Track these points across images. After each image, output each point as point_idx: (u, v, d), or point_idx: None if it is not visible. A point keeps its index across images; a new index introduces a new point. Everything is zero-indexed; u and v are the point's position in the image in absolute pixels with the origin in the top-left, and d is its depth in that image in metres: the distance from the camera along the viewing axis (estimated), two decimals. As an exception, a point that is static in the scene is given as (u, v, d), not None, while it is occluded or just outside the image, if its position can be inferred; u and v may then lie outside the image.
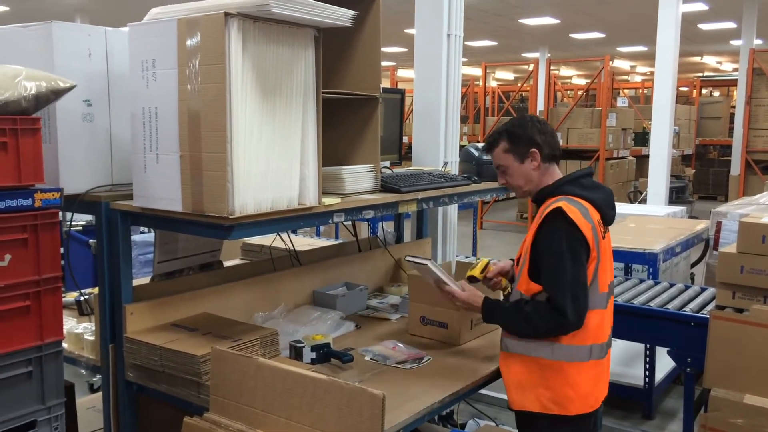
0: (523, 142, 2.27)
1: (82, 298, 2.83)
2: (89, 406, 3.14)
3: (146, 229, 4.60)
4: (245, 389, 1.94)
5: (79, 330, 2.55)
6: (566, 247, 2.10)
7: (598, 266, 2.17)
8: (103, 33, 2.34)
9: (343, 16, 2.14)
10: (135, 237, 4.14)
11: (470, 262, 4.45)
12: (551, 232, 2.13)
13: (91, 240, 4.09)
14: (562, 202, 2.14)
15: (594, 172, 2.37)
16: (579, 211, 2.13)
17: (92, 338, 2.46)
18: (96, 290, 2.46)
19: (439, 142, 3.63)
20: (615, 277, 4.15)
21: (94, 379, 4.06)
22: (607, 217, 2.26)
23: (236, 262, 3.53)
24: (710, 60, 21.38)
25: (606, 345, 2.28)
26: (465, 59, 3.76)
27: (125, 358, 2.30)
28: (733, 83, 15.53)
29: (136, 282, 2.41)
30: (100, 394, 2.70)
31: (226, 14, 1.91)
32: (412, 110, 3.87)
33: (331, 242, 4.21)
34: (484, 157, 3.20)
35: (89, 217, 4.55)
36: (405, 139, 3.55)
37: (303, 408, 1.82)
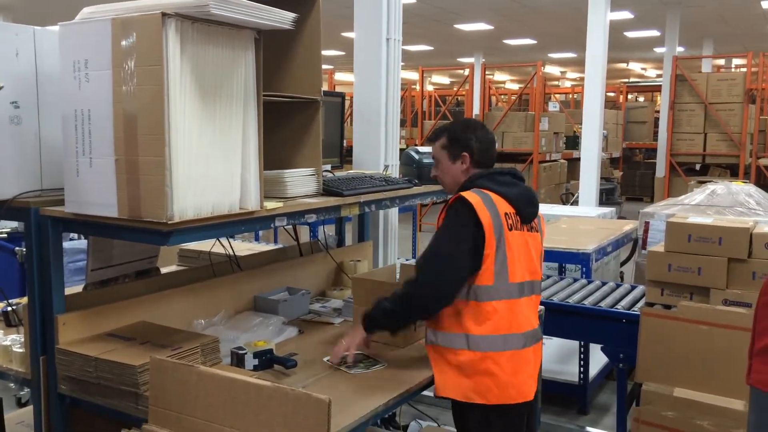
0: (459, 145, 2.41)
1: (9, 309, 2.70)
2: (18, 421, 3.00)
3: (76, 236, 4.43)
4: (186, 399, 1.89)
5: (6, 342, 2.43)
6: (449, 224, 2.27)
7: (505, 255, 2.25)
8: (31, 32, 2.24)
9: (284, 18, 2.12)
10: (65, 244, 3.98)
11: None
12: (446, 215, 2.29)
13: (17, 248, 3.91)
14: (465, 192, 2.28)
15: (516, 173, 2.46)
16: (480, 199, 2.25)
17: (21, 350, 2.35)
18: (24, 300, 2.36)
19: (379, 145, 3.65)
20: (549, 277, 4.29)
21: (22, 392, 3.89)
22: (524, 213, 2.34)
23: (173, 268, 3.45)
24: (635, 66, 22.28)
25: (526, 336, 2.31)
26: (402, 63, 3.79)
27: (58, 370, 2.21)
28: (657, 89, 16.24)
29: (67, 291, 2.32)
30: (29, 408, 2.58)
31: (164, 14, 1.87)
32: (351, 113, 3.88)
33: (271, 246, 4.16)
34: (425, 161, 3.23)
35: (14, 224, 4.36)
36: (344, 143, 3.55)
37: (248, 416, 1.79)
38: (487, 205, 2.24)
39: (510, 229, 2.28)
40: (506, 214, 2.28)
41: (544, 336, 3.13)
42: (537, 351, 2.40)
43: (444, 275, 2.23)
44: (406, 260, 5.11)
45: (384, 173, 3.44)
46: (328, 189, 2.62)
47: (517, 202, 2.33)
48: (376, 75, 3.62)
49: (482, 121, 2.67)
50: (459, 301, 2.26)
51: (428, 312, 2.31)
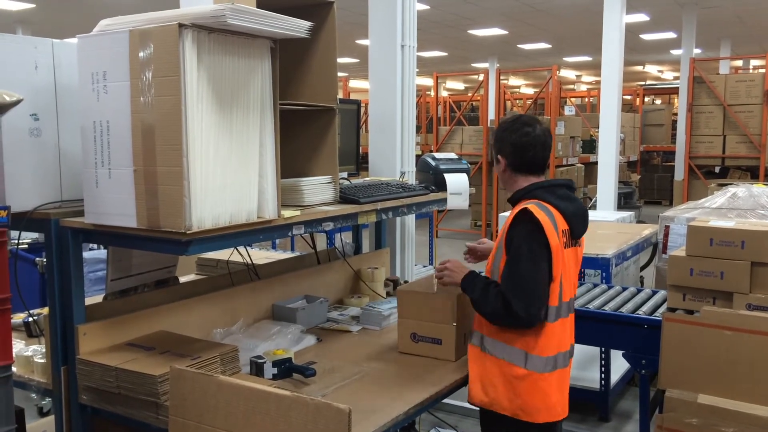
0: (496, 147, 2.38)
1: (30, 319, 2.72)
2: (40, 431, 3.02)
3: (96, 246, 4.47)
4: (206, 409, 1.89)
5: (28, 352, 2.45)
6: (526, 247, 2.15)
7: (561, 275, 2.21)
8: (50, 45, 2.27)
9: (300, 27, 2.13)
10: (85, 254, 4.01)
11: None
12: (517, 231, 2.18)
13: (37, 258, 3.95)
14: (530, 204, 2.20)
15: (571, 185, 2.36)
16: (547, 218, 2.17)
17: (43, 361, 2.37)
18: (45, 310, 2.37)
19: (395, 152, 3.64)
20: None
21: (44, 402, 3.92)
22: (576, 230, 2.27)
23: (192, 277, 3.46)
24: (652, 69, 22.11)
25: (568, 353, 2.32)
26: (417, 69, 3.79)
27: (78, 380, 2.22)
28: (675, 91, 16.09)
29: (87, 301, 2.33)
30: (51, 418, 2.60)
31: (180, 25, 1.88)
32: (366, 120, 3.88)
33: (289, 255, 4.17)
34: (441, 167, 3.22)
35: (35, 235, 4.40)
36: (360, 150, 3.55)
37: (267, 426, 1.78)
38: (553, 225, 2.17)
39: (565, 247, 2.22)
40: (563, 231, 2.22)
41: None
42: (571, 364, 2.37)
43: (533, 300, 2.14)
44: (423, 267, 5.09)
45: (400, 180, 3.43)
46: (344, 196, 2.61)
47: (571, 219, 2.25)
48: (391, 82, 3.62)
49: (532, 116, 2.48)
50: None
51: (524, 328, 2.21)
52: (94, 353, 2.22)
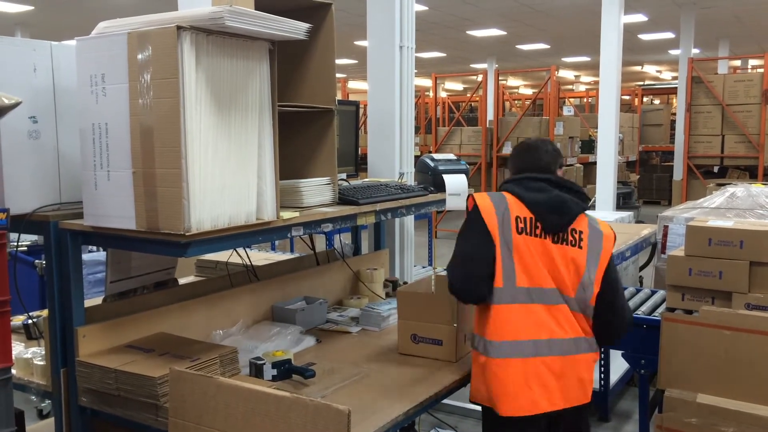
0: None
1: (30, 322, 2.72)
2: (39, 433, 3.02)
3: (94, 248, 4.47)
4: (206, 410, 1.89)
5: (27, 355, 2.45)
6: (463, 227, 2.35)
7: (511, 259, 2.23)
8: (48, 47, 2.27)
9: (298, 29, 2.13)
10: (84, 256, 4.02)
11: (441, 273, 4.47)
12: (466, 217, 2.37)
13: (36, 260, 3.95)
14: (479, 193, 2.34)
15: (557, 181, 2.37)
16: (489, 199, 2.28)
17: (42, 363, 2.37)
18: (44, 313, 2.37)
19: (394, 153, 3.65)
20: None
21: (43, 404, 3.92)
22: (547, 220, 2.27)
23: (191, 279, 3.47)
24: (650, 69, 22.13)
25: (539, 344, 2.23)
26: (415, 70, 3.79)
27: (78, 382, 2.22)
28: (673, 91, 16.10)
29: (87, 303, 2.33)
30: (50, 420, 2.60)
31: (179, 27, 1.88)
32: (365, 121, 3.88)
33: (288, 256, 4.17)
34: (440, 168, 3.22)
35: (33, 237, 4.40)
36: (359, 151, 3.55)
37: (267, 427, 1.79)
38: (497, 207, 2.26)
39: (519, 233, 2.24)
40: (518, 217, 2.25)
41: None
42: (563, 363, 2.26)
43: (462, 272, 2.27)
44: (423, 268, 5.10)
45: (399, 181, 3.43)
46: (343, 198, 2.62)
47: (536, 208, 2.27)
48: (390, 83, 3.62)
49: (542, 140, 2.60)
50: (484, 304, 2.27)
51: (465, 302, 2.36)
52: (93, 355, 2.22)
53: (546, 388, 2.25)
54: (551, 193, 2.31)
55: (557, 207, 2.29)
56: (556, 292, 2.27)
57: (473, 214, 2.30)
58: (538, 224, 2.27)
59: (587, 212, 2.38)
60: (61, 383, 2.25)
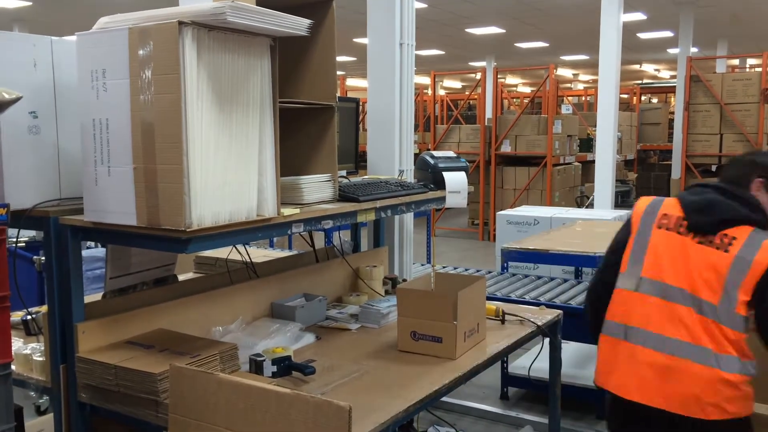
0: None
1: (29, 318, 2.72)
2: (38, 429, 3.01)
3: (93, 244, 4.46)
4: (206, 407, 1.89)
5: (27, 351, 2.45)
6: None
7: (644, 249, 2.28)
8: (48, 42, 2.26)
9: (299, 25, 2.13)
10: (82, 252, 4.02)
11: (449, 271, 4.47)
12: None
13: (35, 257, 3.94)
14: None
15: (721, 188, 2.29)
16: (645, 200, 2.37)
17: (42, 359, 2.36)
18: (44, 309, 2.37)
19: (394, 150, 3.65)
20: (566, 281, 4.25)
21: (41, 400, 3.91)
22: (690, 218, 2.24)
23: (190, 275, 3.46)
24: (649, 68, 22.14)
25: (642, 333, 2.21)
26: (414, 68, 3.79)
27: (78, 378, 2.22)
28: (671, 90, 16.11)
29: (86, 299, 2.33)
30: (49, 416, 2.60)
31: (180, 23, 1.88)
32: (363, 119, 3.88)
33: (287, 253, 4.17)
34: (440, 165, 3.22)
35: (32, 233, 4.39)
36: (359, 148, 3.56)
37: (267, 423, 1.79)
38: (647, 204, 2.35)
39: (659, 227, 2.28)
40: (665, 215, 2.29)
41: (562, 341, 3.13)
42: (669, 362, 2.15)
43: (595, 277, 2.48)
44: (421, 265, 5.10)
45: (399, 178, 3.43)
46: (344, 195, 2.61)
47: (686, 207, 2.27)
48: (389, 80, 3.62)
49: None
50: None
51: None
52: (93, 351, 2.22)
53: (641, 379, 2.20)
54: (705, 195, 2.29)
55: (703, 207, 2.25)
56: (683, 291, 2.18)
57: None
58: (683, 222, 2.26)
59: (761, 230, 2.21)
60: (60, 379, 2.25)
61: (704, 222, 2.22)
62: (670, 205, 2.31)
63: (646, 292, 2.24)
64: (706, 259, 2.17)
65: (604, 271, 2.40)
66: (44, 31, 2.32)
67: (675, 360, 2.15)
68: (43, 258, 2.29)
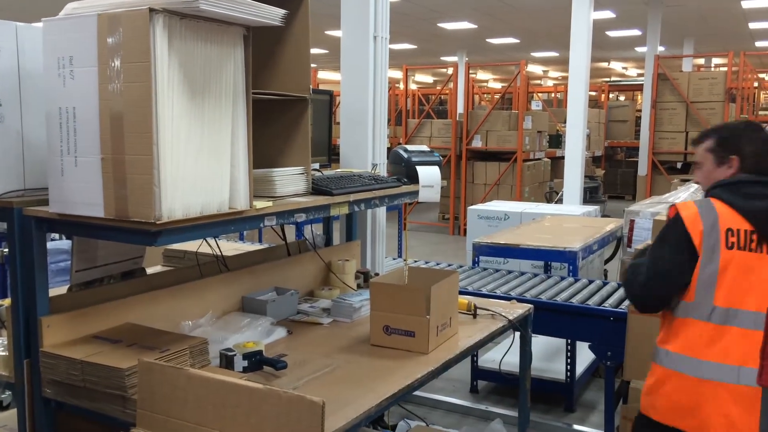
0: (728, 147, 2.22)
1: (-9, 311, 2.64)
2: (2, 424, 2.93)
3: (57, 236, 4.36)
4: (175, 402, 1.85)
5: (-12, 345, 2.38)
6: (660, 235, 2.18)
7: (714, 274, 2.06)
8: (13, 28, 2.19)
9: (274, 15, 2.09)
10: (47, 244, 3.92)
11: (421, 266, 4.46)
12: (664, 226, 2.20)
13: (-3, 248, 3.84)
14: (684, 202, 2.15)
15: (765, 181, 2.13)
16: (696, 209, 2.10)
17: (5, 353, 2.30)
18: (6, 302, 2.31)
19: (367, 143, 3.63)
20: (536, 275, 4.30)
21: (4, 395, 3.82)
22: (765, 230, 2.04)
23: (158, 269, 3.40)
24: (617, 66, 22.44)
25: (723, 369, 2.06)
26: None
27: (42, 373, 2.16)
28: (638, 88, 16.35)
29: (50, 292, 2.27)
30: (12, 411, 2.53)
31: (151, 10, 1.83)
32: (334, 112, 3.85)
33: (257, 246, 4.12)
34: (414, 159, 3.22)
35: (-6, 224, 4.27)
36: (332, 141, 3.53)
37: (238, 419, 1.76)
38: (704, 217, 2.07)
39: (730, 248, 2.05)
40: (730, 230, 2.05)
41: (532, 334, 3.15)
42: (755, 395, 1.89)
43: (648, 281, 2.15)
44: (393, 260, 5.10)
45: (372, 172, 3.42)
46: (317, 188, 2.59)
47: (755, 217, 2.05)
48: (363, 73, 3.60)
49: (760, 124, 2.34)
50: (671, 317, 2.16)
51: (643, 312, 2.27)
52: (58, 346, 2.17)
53: (727, 417, 2.06)
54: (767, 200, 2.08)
55: None
56: (761, 316, 2.02)
57: (674, 224, 2.10)
58: (754, 237, 2.05)
59: None
60: (24, 374, 2.19)
61: None
62: (729, 215, 2.07)
63: (721, 322, 2.07)
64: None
65: (665, 284, 2.14)
66: (10, 17, 2.24)
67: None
68: (6, 250, 2.22)
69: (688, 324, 2.12)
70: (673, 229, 2.13)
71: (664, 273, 2.13)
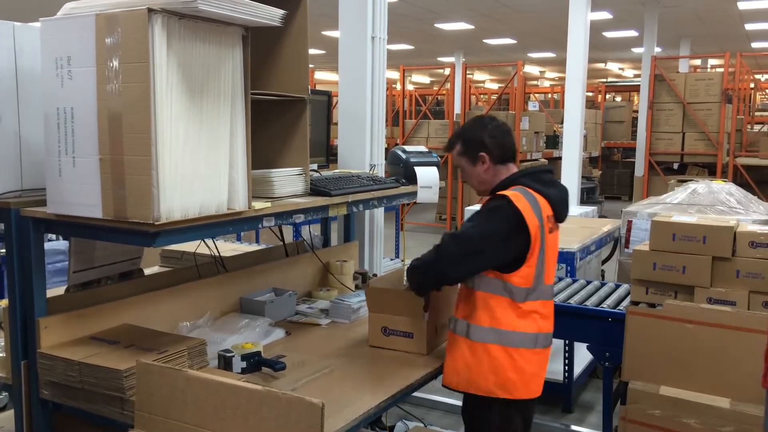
0: (474, 146, 2.36)
1: (-13, 312, 2.63)
2: (-3, 427, 2.92)
3: (54, 237, 4.35)
4: (174, 404, 1.85)
5: (-15, 346, 2.37)
6: (489, 217, 2.23)
7: (543, 259, 2.26)
8: (11, 28, 2.18)
9: (273, 15, 2.09)
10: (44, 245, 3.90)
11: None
12: (488, 208, 2.25)
13: (-6, 249, 3.82)
14: (512, 192, 2.22)
15: (553, 170, 2.44)
16: (528, 204, 2.21)
17: (2, 355, 2.29)
18: (4, 303, 2.30)
19: (365, 144, 3.62)
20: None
21: (1, 396, 3.80)
22: (561, 214, 2.32)
23: (156, 269, 3.40)
24: (613, 66, 22.47)
25: (551, 336, 2.38)
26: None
27: (40, 375, 2.15)
28: (635, 89, 16.38)
29: (48, 293, 2.26)
30: (10, 413, 2.52)
31: (150, 10, 1.82)
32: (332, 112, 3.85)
33: (254, 247, 4.12)
34: (412, 160, 3.21)
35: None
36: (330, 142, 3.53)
37: (237, 420, 1.76)
38: (534, 210, 2.22)
39: (550, 232, 2.28)
40: (548, 217, 2.26)
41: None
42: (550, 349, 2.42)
43: (462, 256, 2.23)
44: (390, 260, 5.09)
45: (371, 172, 3.42)
46: (315, 189, 2.59)
47: (556, 203, 2.30)
48: (361, 73, 3.59)
49: (490, 116, 2.52)
50: (494, 296, 2.25)
51: (443, 281, 2.35)
52: (55, 347, 2.16)
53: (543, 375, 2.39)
54: (560, 186, 2.35)
55: (566, 200, 2.35)
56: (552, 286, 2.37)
57: (510, 213, 2.19)
58: (554, 219, 2.31)
59: None
60: (21, 376, 2.18)
61: (566, 214, 2.36)
62: (544, 205, 2.27)
63: (550, 297, 2.38)
64: (557, 245, 2.42)
65: (484, 261, 2.27)
66: (7, 17, 2.23)
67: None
68: (4, 251, 2.21)
69: (531, 306, 2.29)
70: (508, 220, 2.23)
71: (486, 253, 2.25)
